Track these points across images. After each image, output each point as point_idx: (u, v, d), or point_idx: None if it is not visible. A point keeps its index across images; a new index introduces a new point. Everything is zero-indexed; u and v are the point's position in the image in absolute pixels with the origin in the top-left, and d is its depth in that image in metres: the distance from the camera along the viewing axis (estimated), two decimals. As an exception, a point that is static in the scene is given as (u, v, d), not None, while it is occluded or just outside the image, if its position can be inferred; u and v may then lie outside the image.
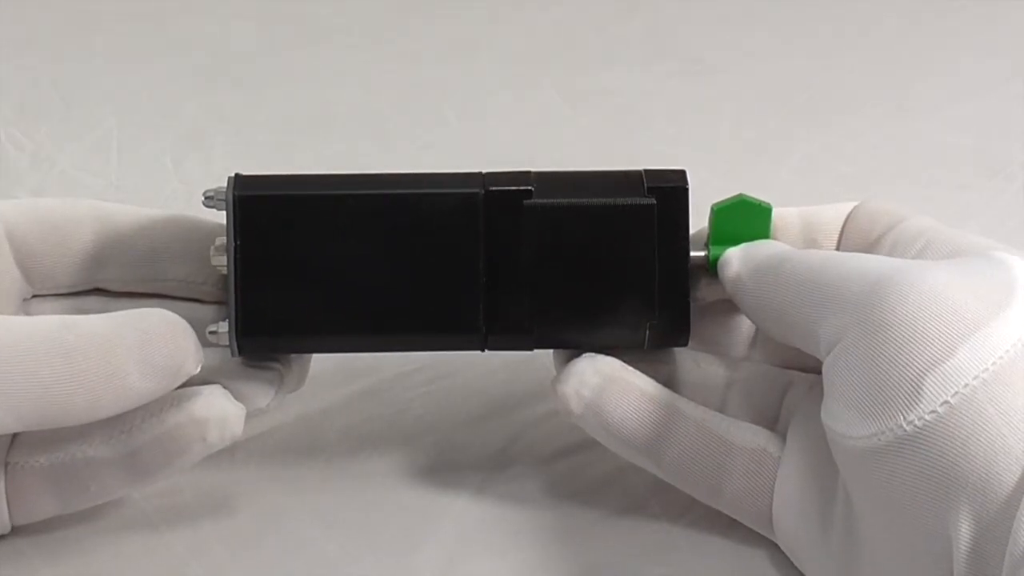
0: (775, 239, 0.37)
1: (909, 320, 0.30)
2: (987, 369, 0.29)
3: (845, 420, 0.31)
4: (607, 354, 0.36)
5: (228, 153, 0.56)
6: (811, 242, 0.38)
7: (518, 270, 0.35)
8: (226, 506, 0.39)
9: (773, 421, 0.37)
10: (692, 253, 0.36)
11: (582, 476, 0.40)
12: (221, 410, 0.35)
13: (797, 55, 0.61)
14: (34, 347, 0.32)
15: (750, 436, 0.36)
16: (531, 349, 0.37)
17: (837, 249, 0.38)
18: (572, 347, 0.37)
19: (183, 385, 0.35)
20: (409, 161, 0.55)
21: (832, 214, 0.38)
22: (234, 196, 0.35)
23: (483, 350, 0.36)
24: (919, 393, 0.29)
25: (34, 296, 0.38)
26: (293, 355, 0.38)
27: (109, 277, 0.38)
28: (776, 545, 0.36)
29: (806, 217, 0.38)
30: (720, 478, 0.36)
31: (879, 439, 0.30)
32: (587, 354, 0.36)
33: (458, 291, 0.35)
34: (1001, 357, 0.29)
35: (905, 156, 0.55)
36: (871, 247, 0.37)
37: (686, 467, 0.36)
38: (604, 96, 0.59)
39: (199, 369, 0.34)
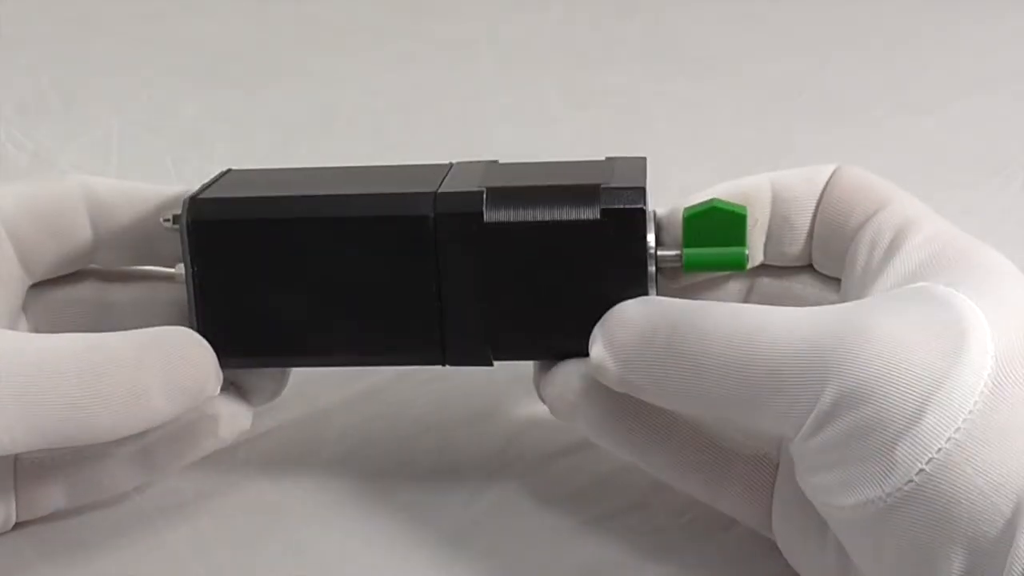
0: (747, 209, 0.35)
1: (870, 392, 0.29)
2: (959, 428, 0.28)
3: (828, 490, 0.30)
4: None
5: (228, 153, 0.56)
6: (783, 219, 0.36)
7: (471, 289, 0.35)
8: (226, 506, 0.39)
9: None
10: (662, 252, 0.35)
11: (582, 475, 0.40)
12: (232, 406, 0.36)
13: (797, 55, 0.61)
14: (61, 366, 0.32)
15: (749, 441, 0.35)
16: (491, 364, 0.36)
17: (811, 231, 0.36)
18: (532, 359, 0.36)
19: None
20: (409, 162, 0.55)
21: (806, 188, 0.36)
22: (188, 222, 0.35)
23: (443, 364, 0.36)
24: (893, 464, 0.28)
25: (31, 286, 0.38)
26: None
27: (105, 258, 0.38)
28: (776, 544, 0.36)
29: (778, 189, 0.36)
30: (718, 484, 0.35)
31: (863, 511, 0.29)
32: (574, 359, 0.35)
33: (412, 312, 0.35)
34: (971, 412, 0.28)
35: (905, 155, 0.55)
36: (847, 241, 0.35)
37: (681, 472, 0.35)
38: (604, 96, 0.59)
39: (218, 391, 0.35)
